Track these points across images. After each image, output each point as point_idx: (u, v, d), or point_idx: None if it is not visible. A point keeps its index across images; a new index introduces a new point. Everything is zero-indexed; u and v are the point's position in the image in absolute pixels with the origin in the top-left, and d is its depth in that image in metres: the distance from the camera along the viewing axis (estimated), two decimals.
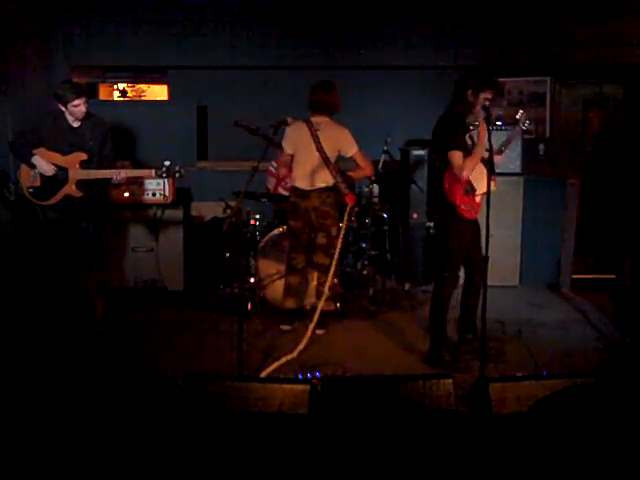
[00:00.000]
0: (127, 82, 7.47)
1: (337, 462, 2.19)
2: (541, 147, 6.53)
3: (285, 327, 4.85)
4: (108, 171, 4.44)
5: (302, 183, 4.75)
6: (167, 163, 4.42)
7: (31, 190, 4.45)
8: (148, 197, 5.60)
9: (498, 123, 5.92)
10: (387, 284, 5.70)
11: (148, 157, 6.27)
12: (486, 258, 3.67)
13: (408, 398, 2.56)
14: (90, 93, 7.06)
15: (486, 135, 3.84)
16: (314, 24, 6.37)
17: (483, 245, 4.01)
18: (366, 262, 5.46)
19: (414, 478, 2.18)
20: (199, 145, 6.63)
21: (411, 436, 2.32)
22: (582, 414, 2.23)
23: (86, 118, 4.44)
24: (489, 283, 4.11)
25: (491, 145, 3.76)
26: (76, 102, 4.32)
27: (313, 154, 4.64)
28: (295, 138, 4.72)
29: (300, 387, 2.57)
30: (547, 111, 6.59)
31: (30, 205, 4.53)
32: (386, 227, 5.71)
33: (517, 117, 4.24)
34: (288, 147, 4.80)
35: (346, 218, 4.68)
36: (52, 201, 4.44)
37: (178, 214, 5.71)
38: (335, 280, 5.21)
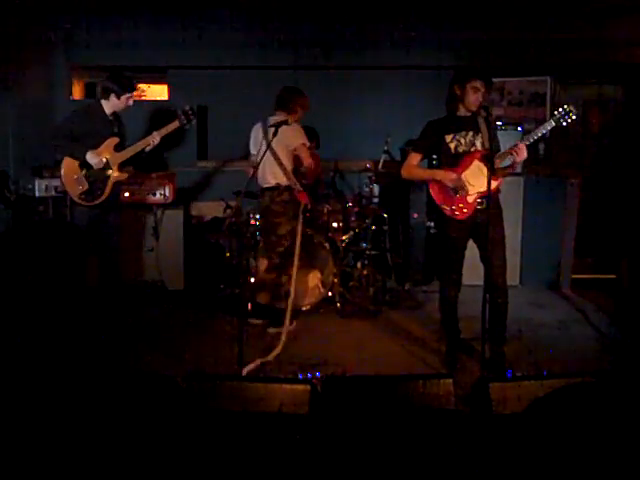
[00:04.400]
0: None
1: (337, 462, 2.19)
2: (541, 147, 6.53)
3: (255, 321, 4.86)
4: (143, 141, 4.66)
5: (260, 181, 4.85)
6: (179, 111, 4.71)
7: (82, 196, 4.53)
8: (148, 197, 5.60)
9: (498, 123, 5.92)
10: (387, 284, 5.70)
11: (148, 157, 6.26)
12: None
13: (408, 398, 2.56)
14: (90, 93, 7.07)
15: (446, 174, 3.93)
16: (314, 24, 6.37)
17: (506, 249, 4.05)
18: (366, 262, 5.47)
19: (414, 478, 2.18)
20: (199, 145, 6.62)
21: (411, 436, 2.32)
22: (580, 414, 2.23)
23: (115, 113, 4.69)
24: None
25: (492, 146, 3.75)
26: (130, 94, 4.62)
27: (266, 152, 4.69)
28: (254, 137, 4.87)
29: (300, 387, 2.57)
30: (547, 111, 6.59)
31: (29, 204, 4.54)
32: (386, 227, 5.72)
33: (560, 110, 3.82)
34: (251, 147, 4.94)
35: (300, 217, 4.68)
36: (104, 196, 4.56)
37: (178, 214, 5.71)
38: (335, 280, 5.22)
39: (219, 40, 6.33)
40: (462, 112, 3.98)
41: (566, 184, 5.88)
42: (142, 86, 7.66)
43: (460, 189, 3.93)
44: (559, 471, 2.06)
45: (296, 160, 4.78)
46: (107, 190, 4.57)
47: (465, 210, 3.95)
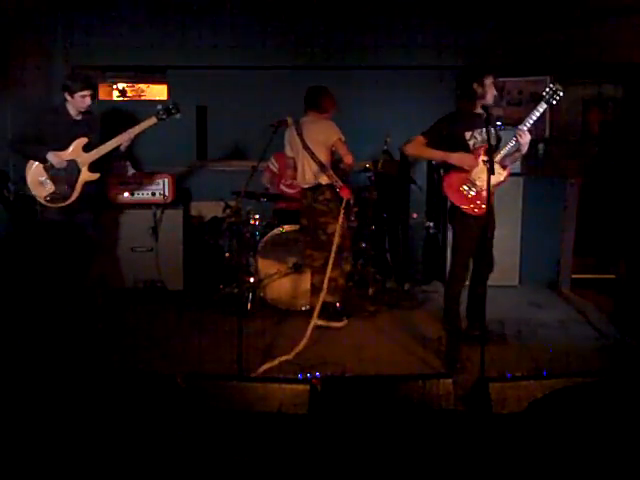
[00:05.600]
0: (127, 82, 7.47)
1: (337, 462, 2.19)
2: (541, 147, 6.52)
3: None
4: (114, 140, 4.53)
5: (300, 182, 4.90)
6: (159, 106, 4.60)
7: (48, 198, 4.50)
8: (148, 197, 5.60)
9: (498, 123, 5.91)
10: (387, 284, 5.70)
11: (148, 157, 6.27)
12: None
13: (408, 398, 2.56)
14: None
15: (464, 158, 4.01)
16: (314, 24, 6.36)
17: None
18: (366, 262, 5.46)
19: (414, 478, 2.17)
20: (199, 145, 6.62)
21: (411, 436, 2.32)
22: (580, 414, 2.23)
23: (87, 112, 4.57)
24: (489, 283, 4.13)
25: (491, 145, 3.76)
26: (84, 92, 4.44)
27: (302, 152, 4.75)
28: (289, 140, 4.87)
29: (300, 387, 2.57)
30: (547, 111, 6.58)
31: (29, 204, 4.54)
32: (386, 227, 5.71)
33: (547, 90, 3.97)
34: (287, 150, 4.96)
35: (342, 213, 4.68)
36: (74, 197, 4.51)
37: (178, 214, 5.71)
38: (341, 280, 5.19)
39: (219, 40, 6.32)
40: (478, 109, 4.08)
41: (566, 184, 5.87)
42: (142, 86, 7.67)
43: (473, 177, 4.04)
44: (559, 471, 2.06)
45: (332, 155, 4.78)
46: (76, 191, 4.52)
47: (483, 205, 4.04)
